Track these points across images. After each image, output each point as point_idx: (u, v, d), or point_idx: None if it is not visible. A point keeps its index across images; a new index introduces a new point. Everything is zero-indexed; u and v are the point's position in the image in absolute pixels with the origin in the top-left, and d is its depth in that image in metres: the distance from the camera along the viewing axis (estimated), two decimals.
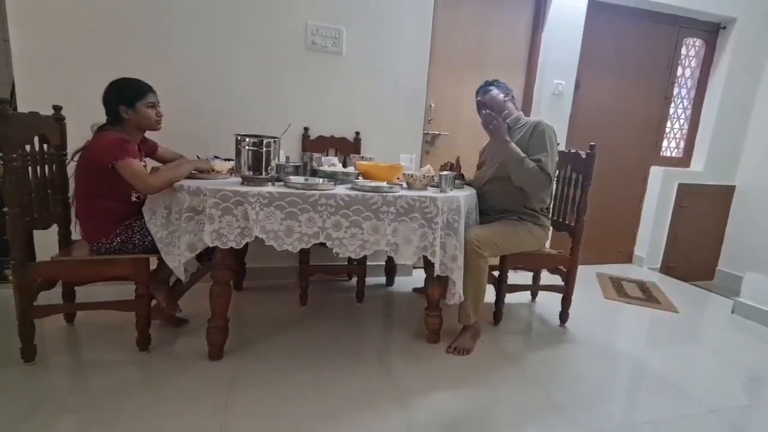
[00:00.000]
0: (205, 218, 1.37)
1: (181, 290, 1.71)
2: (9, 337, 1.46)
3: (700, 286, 2.98)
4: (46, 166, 1.51)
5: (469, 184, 2.03)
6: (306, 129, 2.30)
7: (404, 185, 1.70)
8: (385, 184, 1.63)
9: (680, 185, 3.16)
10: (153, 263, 1.56)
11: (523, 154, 1.73)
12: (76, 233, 1.60)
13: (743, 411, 1.50)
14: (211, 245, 1.38)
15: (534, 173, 1.72)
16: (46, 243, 1.52)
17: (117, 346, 1.57)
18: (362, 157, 2.04)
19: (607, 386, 1.61)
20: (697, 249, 3.32)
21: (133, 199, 1.60)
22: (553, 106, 2.78)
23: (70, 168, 1.56)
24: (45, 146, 1.51)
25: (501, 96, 1.89)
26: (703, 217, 3.27)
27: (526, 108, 2.81)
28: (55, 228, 1.58)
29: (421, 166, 2.29)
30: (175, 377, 1.42)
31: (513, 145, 1.74)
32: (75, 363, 1.50)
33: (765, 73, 3.10)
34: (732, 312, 2.42)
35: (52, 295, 1.54)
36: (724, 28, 3.08)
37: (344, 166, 1.92)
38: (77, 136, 1.54)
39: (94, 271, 1.49)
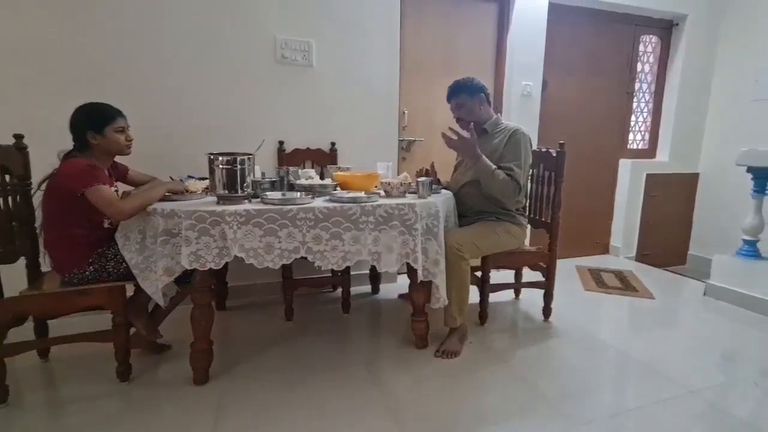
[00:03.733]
0: (182, 241, 1.34)
1: (160, 315, 1.66)
2: None
3: (674, 271, 3.10)
4: (10, 198, 1.45)
5: (446, 187, 2.06)
6: (281, 143, 2.28)
7: (382, 194, 1.72)
8: (363, 193, 1.64)
9: (648, 176, 3.29)
10: (129, 290, 1.51)
11: (494, 166, 1.76)
12: (45, 265, 1.54)
13: (720, 389, 1.56)
14: (189, 268, 1.36)
15: (504, 184, 1.75)
16: (13, 277, 1.45)
17: (96, 379, 1.51)
18: (339, 168, 2.04)
19: (592, 376, 1.65)
20: (668, 235, 3.45)
21: (105, 225, 1.55)
22: (522, 106, 2.86)
23: (36, 198, 1.51)
24: (7, 177, 1.45)
25: (476, 106, 1.89)
26: (671, 205, 3.41)
27: (497, 110, 2.87)
28: (22, 261, 1.51)
29: (398, 173, 2.32)
30: (160, 406, 1.38)
31: (484, 159, 1.75)
32: (52, 401, 1.44)
33: (717, 65, 3.28)
34: (704, 294, 2.53)
35: (23, 331, 1.47)
36: (677, 24, 3.24)
37: (321, 177, 1.92)
38: (41, 164, 1.49)
39: (68, 303, 1.43)
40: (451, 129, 1.75)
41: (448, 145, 1.77)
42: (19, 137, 1.51)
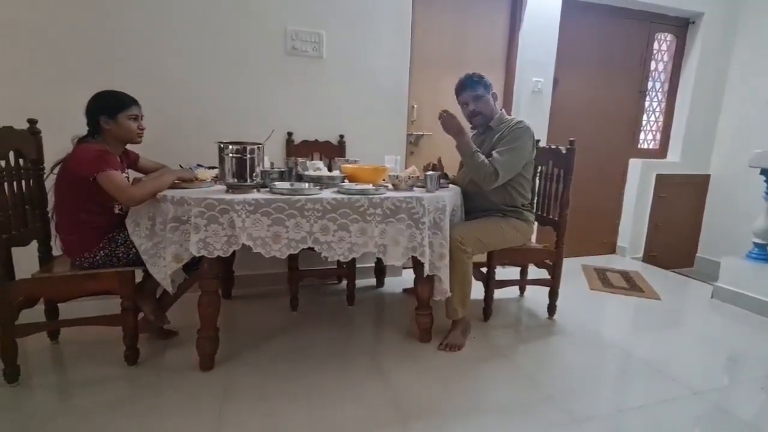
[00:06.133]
0: (191, 228, 1.36)
1: (168, 301, 1.69)
2: None
3: (681, 273, 3.07)
4: (23, 181, 1.47)
5: (454, 182, 2.05)
6: (290, 134, 2.29)
7: (390, 187, 1.72)
8: (370, 186, 1.64)
9: (658, 176, 3.25)
10: (138, 276, 1.53)
11: (475, 148, 1.78)
12: (56, 248, 1.56)
13: (725, 392, 1.55)
14: (197, 255, 1.37)
15: (480, 166, 1.75)
16: (25, 260, 1.47)
17: (104, 362, 1.53)
18: (347, 160, 2.04)
19: (595, 375, 1.65)
20: (676, 237, 3.42)
21: (116, 211, 1.57)
22: (532, 103, 2.83)
23: (49, 182, 1.53)
24: (21, 161, 1.47)
25: (491, 99, 1.90)
26: (681, 206, 3.37)
27: (507, 106, 2.86)
28: (34, 244, 1.54)
29: (405, 167, 2.31)
30: (166, 390, 1.40)
31: (466, 137, 1.77)
32: (61, 382, 1.46)
33: (732, 65, 3.22)
34: (711, 297, 2.50)
35: (34, 313, 1.50)
36: (693, 22, 3.19)
37: (329, 169, 1.92)
38: (54, 149, 1.50)
39: (78, 286, 1.46)
40: (446, 111, 1.75)
41: (440, 122, 1.76)
42: (32, 122, 1.54)
